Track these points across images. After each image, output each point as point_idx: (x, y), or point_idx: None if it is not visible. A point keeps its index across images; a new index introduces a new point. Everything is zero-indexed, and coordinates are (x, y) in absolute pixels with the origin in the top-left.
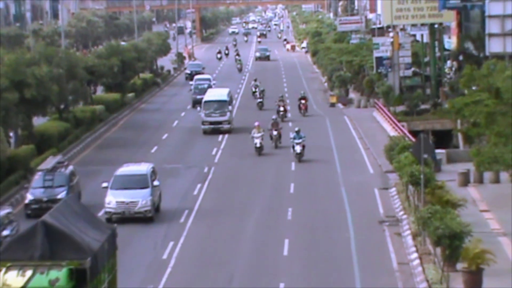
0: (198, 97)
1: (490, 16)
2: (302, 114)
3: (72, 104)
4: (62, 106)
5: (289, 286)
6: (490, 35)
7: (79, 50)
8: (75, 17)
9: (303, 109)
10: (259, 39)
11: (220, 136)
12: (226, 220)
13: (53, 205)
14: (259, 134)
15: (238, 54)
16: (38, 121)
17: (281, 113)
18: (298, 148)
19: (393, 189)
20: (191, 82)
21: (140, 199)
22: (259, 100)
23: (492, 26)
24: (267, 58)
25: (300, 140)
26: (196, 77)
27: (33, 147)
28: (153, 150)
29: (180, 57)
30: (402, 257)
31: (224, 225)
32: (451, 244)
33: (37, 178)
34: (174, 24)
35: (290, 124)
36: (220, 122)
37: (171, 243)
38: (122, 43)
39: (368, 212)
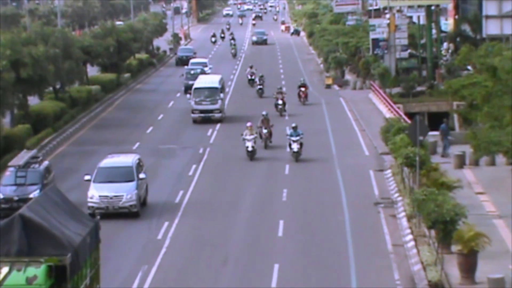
0: (190, 82)
1: None
2: (302, 103)
3: (67, 84)
4: (58, 86)
5: (283, 267)
6: (487, 17)
7: (75, 30)
8: None
9: (303, 97)
10: (253, 22)
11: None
12: (221, 201)
13: (25, 204)
14: (252, 137)
15: (233, 38)
16: (34, 101)
17: (280, 106)
18: (295, 146)
19: (389, 171)
20: (187, 67)
21: (125, 193)
22: (259, 87)
23: (489, 8)
24: (264, 42)
25: (297, 138)
26: (192, 60)
27: (29, 127)
28: (148, 131)
29: (176, 38)
30: (396, 239)
31: (219, 205)
32: (445, 228)
33: (8, 174)
34: (172, 4)
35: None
36: (211, 111)
37: (166, 223)
38: (119, 22)
39: (363, 194)
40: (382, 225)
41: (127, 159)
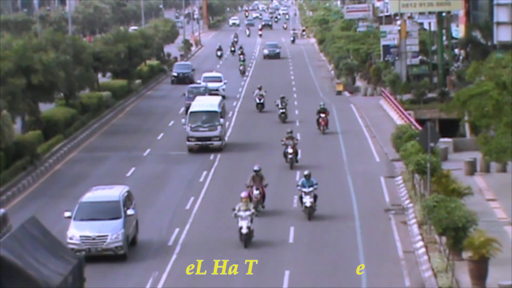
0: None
1: (498, 5)
2: (322, 131)
3: (78, 90)
4: (68, 92)
5: (294, 273)
6: (498, 23)
7: (85, 37)
8: (83, 3)
9: (323, 125)
10: (260, 32)
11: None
12: (232, 207)
13: None
14: (247, 213)
15: (242, 53)
16: (45, 107)
17: (290, 156)
18: (307, 200)
19: (399, 177)
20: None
21: (110, 232)
22: (281, 110)
23: (501, 15)
24: (277, 56)
25: (310, 189)
26: (204, 74)
27: (39, 133)
28: (159, 137)
29: (187, 44)
30: (407, 245)
31: (229, 212)
32: (456, 235)
33: None
34: (186, 10)
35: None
36: (209, 138)
37: (177, 230)
38: (134, 28)
39: (374, 201)
40: (393, 231)
41: (114, 193)
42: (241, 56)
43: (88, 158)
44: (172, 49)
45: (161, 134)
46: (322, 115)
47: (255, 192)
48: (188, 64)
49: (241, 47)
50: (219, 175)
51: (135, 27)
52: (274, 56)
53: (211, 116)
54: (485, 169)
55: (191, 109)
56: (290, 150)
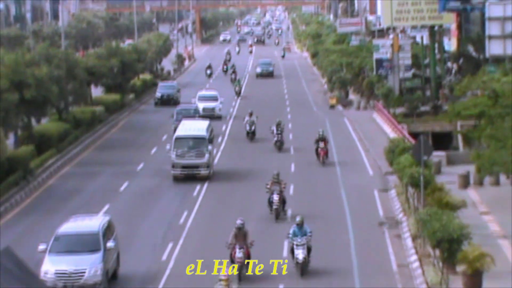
0: None
1: (490, 18)
2: (321, 162)
3: (71, 105)
4: (61, 107)
5: (288, 287)
6: (490, 37)
7: (79, 51)
8: (75, 18)
9: (322, 156)
10: (250, 48)
11: (220, 137)
12: (226, 222)
13: None
14: None
15: (234, 72)
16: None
17: (275, 206)
18: (300, 254)
19: (393, 191)
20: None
21: (88, 267)
22: (276, 137)
23: (492, 28)
24: (270, 74)
25: (303, 240)
26: (200, 93)
27: (32, 148)
28: (152, 151)
29: (180, 58)
30: (401, 259)
31: (223, 226)
32: (450, 247)
33: None
34: (179, 25)
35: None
36: (196, 166)
37: (171, 244)
38: (129, 41)
39: (368, 214)
40: (387, 245)
41: (93, 223)
42: (233, 75)
43: (81, 172)
44: (165, 63)
45: (155, 149)
46: (321, 144)
47: (238, 253)
48: (173, 84)
49: (233, 66)
50: (213, 189)
51: (130, 41)
52: (267, 74)
53: (198, 142)
54: (479, 182)
55: (176, 134)
56: (276, 198)
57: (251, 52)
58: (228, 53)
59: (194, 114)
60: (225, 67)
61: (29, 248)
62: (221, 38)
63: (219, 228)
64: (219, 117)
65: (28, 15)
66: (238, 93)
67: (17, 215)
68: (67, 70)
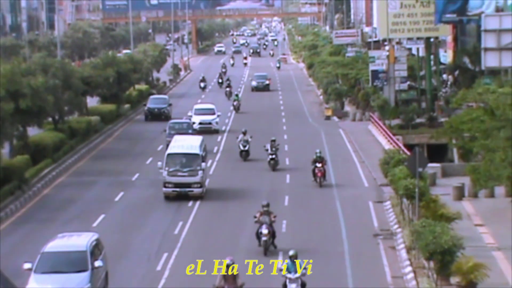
0: None
1: (486, 31)
2: (318, 184)
3: (67, 115)
4: (57, 117)
5: None
6: (486, 49)
7: (74, 61)
8: (71, 28)
9: (320, 177)
10: (245, 61)
11: (216, 148)
12: (221, 232)
13: None
14: None
15: (229, 86)
16: (33, 132)
17: (264, 238)
18: None
19: (388, 202)
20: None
21: (74, 287)
22: (271, 156)
23: (488, 40)
24: (266, 88)
25: (296, 275)
26: (196, 106)
27: (28, 158)
28: (148, 161)
29: (176, 69)
30: (396, 270)
31: (219, 236)
32: (442, 259)
33: None
34: (176, 35)
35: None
36: (188, 185)
37: (165, 255)
38: (127, 51)
39: (363, 226)
40: (382, 256)
41: (80, 241)
42: (227, 89)
43: (77, 182)
44: (161, 74)
45: (150, 159)
46: (319, 165)
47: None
48: (165, 98)
49: (228, 79)
50: (208, 199)
51: (128, 51)
52: (263, 88)
53: (191, 160)
54: (473, 194)
55: (168, 151)
56: (265, 231)
57: (245, 64)
58: (224, 66)
59: (187, 129)
60: (220, 79)
61: (23, 258)
62: (216, 49)
63: (214, 238)
64: (216, 131)
65: (24, 25)
66: (237, 108)
67: (12, 225)
68: (63, 80)
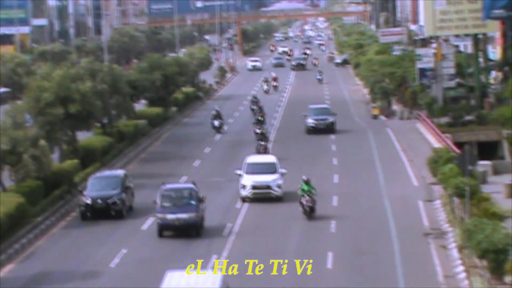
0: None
1: None
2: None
3: (115, 119)
4: (105, 121)
5: None
6: None
7: (121, 65)
8: (118, 32)
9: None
10: (274, 83)
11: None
12: (269, 233)
13: None
14: None
15: (262, 117)
16: (82, 136)
17: (308, 205)
18: (307, 202)
19: (438, 201)
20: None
21: None
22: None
23: None
24: (329, 128)
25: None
26: (248, 159)
27: (77, 162)
28: (195, 164)
29: (221, 71)
30: (447, 270)
31: (267, 238)
32: (496, 258)
33: None
34: (223, 36)
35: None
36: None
37: (214, 256)
38: (174, 54)
39: (413, 225)
40: (433, 256)
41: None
42: (257, 130)
43: None
44: (207, 76)
45: (198, 161)
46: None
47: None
48: (118, 175)
49: (261, 109)
50: (256, 201)
51: (174, 54)
52: (325, 128)
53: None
54: None
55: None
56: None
57: (275, 87)
58: (255, 97)
59: (189, 199)
60: (253, 106)
61: (76, 262)
62: (249, 66)
63: (263, 241)
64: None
65: (72, 31)
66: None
67: (63, 229)
68: (110, 84)
